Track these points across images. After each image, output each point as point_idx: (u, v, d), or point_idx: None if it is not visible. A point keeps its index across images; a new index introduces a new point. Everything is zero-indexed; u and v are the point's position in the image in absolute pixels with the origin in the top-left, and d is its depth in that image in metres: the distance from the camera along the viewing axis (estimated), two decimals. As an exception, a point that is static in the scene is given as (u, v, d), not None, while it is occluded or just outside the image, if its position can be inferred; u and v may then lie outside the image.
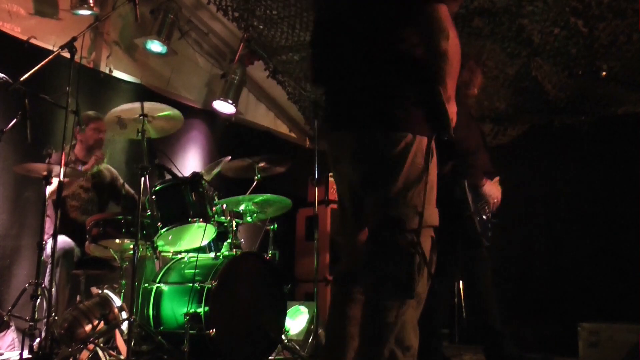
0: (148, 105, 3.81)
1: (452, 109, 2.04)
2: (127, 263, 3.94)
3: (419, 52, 1.99)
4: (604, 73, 5.04)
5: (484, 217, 3.74)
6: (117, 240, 3.86)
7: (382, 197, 1.99)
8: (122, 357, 3.43)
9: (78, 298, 3.97)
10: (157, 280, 4.00)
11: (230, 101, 5.87)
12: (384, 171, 1.97)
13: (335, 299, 2.25)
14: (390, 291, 1.94)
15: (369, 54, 2.01)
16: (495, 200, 3.79)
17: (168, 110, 3.91)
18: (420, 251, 1.93)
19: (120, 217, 3.89)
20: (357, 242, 2.19)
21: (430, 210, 1.99)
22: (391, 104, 1.97)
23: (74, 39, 3.62)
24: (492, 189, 3.78)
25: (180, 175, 4.07)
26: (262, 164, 4.47)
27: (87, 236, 3.95)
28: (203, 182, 3.93)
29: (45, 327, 3.32)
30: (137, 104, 3.80)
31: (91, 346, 3.38)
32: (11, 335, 3.91)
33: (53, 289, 3.56)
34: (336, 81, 2.15)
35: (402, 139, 1.94)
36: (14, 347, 3.88)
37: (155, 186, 3.91)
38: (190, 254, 4.13)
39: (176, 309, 3.78)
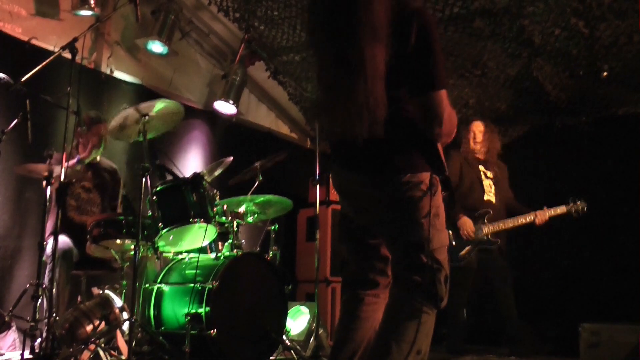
0: (145, 105, 3.78)
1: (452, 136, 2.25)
2: (127, 263, 3.94)
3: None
4: (604, 74, 5.04)
5: (453, 242, 4.72)
6: (118, 241, 3.86)
7: (400, 228, 2.19)
8: (123, 357, 3.43)
9: (79, 298, 3.98)
10: (158, 281, 4.01)
11: (231, 102, 5.87)
12: (400, 209, 2.17)
13: (345, 302, 2.39)
14: (421, 299, 2.12)
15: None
16: (465, 232, 4.72)
17: (164, 104, 3.86)
18: (443, 266, 2.17)
19: (121, 217, 3.89)
20: (364, 250, 2.36)
21: (441, 232, 2.20)
22: (395, 152, 2.17)
23: (75, 39, 3.62)
24: (463, 224, 4.73)
25: (181, 175, 4.07)
26: (261, 162, 4.48)
27: (88, 237, 3.95)
28: (204, 182, 3.93)
29: (46, 328, 3.32)
30: (132, 110, 3.79)
31: (92, 346, 3.38)
32: (12, 335, 3.92)
33: (54, 289, 3.56)
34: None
35: (408, 179, 2.14)
36: (15, 348, 3.89)
37: (156, 187, 3.91)
38: (191, 255, 4.13)
39: (177, 309, 3.79)
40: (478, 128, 4.94)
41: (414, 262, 2.14)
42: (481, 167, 4.91)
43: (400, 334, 2.09)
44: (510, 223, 4.75)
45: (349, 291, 2.38)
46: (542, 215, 4.67)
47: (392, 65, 2.09)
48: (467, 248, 4.75)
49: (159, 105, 3.81)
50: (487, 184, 4.90)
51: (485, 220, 4.77)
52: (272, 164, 4.58)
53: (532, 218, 4.70)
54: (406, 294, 2.15)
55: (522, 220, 4.74)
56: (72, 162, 4.18)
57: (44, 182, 3.66)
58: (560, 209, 4.71)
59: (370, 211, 2.27)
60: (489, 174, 4.91)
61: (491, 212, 4.78)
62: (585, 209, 4.70)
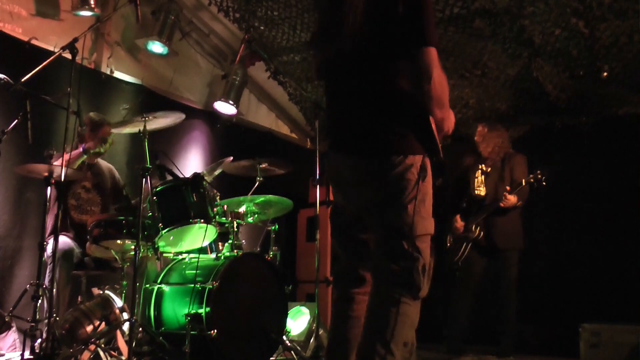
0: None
1: (451, 120, 2.21)
2: (128, 264, 3.94)
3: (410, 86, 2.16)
4: (605, 74, 5.03)
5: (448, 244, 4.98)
6: (119, 241, 3.87)
7: (384, 211, 2.14)
8: (123, 357, 3.43)
9: (79, 299, 3.98)
10: (158, 281, 4.01)
11: (231, 102, 5.87)
12: (386, 191, 2.13)
13: (336, 301, 2.35)
14: (398, 290, 2.07)
15: (367, 88, 2.19)
16: (453, 228, 4.94)
17: (169, 119, 3.89)
18: (422, 255, 2.10)
19: (121, 217, 3.90)
20: (354, 245, 2.32)
21: (426, 219, 2.15)
22: (388, 132, 2.14)
23: (75, 39, 3.62)
24: (453, 222, 4.95)
25: (181, 176, 4.07)
26: (263, 165, 4.46)
27: (88, 237, 3.95)
28: (204, 182, 3.93)
29: (46, 328, 3.32)
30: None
31: (92, 347, 3.38)
32: (12, 335, 3.91)
33: (54, 290, 3.56)
34: (341, 109, 2.31)
35: (399, 161, 2.11)
36: (16, 348, 3.89)
37: (157, 187, 3.91)
38: (192, 255, 4.13)
39: (177, 309, 3.79)
40: (478, 130, 5.01)
41: (393, 248, 2.10)
42: (481, 165, 4.96)
43: (382, 327, 2.04)
44: (485, 212, 4.79)
45: (340, 289, 2.35)
46: (505, 198, 4.66)
47: (386, 36, 2.11)
48: (458, 244, 4.84)
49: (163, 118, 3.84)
50: (480, 179, 4.95)
51: (473, 214, 4.84)
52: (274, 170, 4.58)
53: (497, 202, 4.72)
54: (384, 286, 2.11)
55: (492, 206, 4.77)
56: (77, 151, 4.18)
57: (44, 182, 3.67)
58: (520, 185, 4.71)
59: (359, 197, 2.23)
60: (484, 168, 4.95)
61: (476, 206, 4.84)
62: (543, 176, 4.63)
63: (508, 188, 4.69)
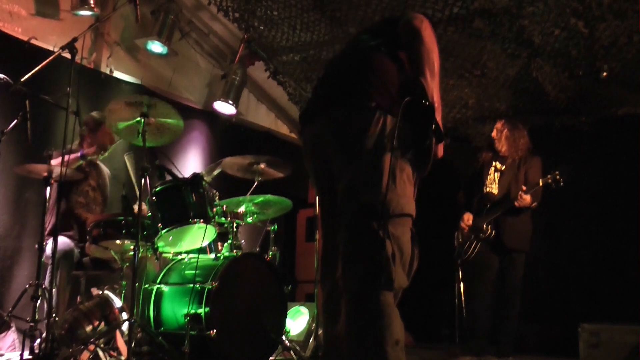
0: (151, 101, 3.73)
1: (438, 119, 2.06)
2: (127, 264, 3.94)
3: (400, 51, 2.11)
4: (604, 74, 5.03)
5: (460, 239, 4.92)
6: (118, 241, 3.86)
7: (352, 182, 1.98)
8: (122, 357, 3.43)
9: (79, 299, 3.98)
10: (158, 281, 4.01)
11: (230, 102, 5.88)
12: (360, 153, 1.97)
13: (325, 304, 2.22)
14: (373, 288, 1.90)
15: (362, 59, 2.15)
16: (462, 225, 4.89)
17: (170, 118, 3.86)
18: (395, 241, 1.91)
19: (120, 218, 3.89)
20: (335, 239, 2.14)
21: (402, 198, 1.96)
22: (371, 87, 2.01)
23: (75, 39, 3.62)
24: (462, 218, 4.89)
25: (180, 176, 4.07)
26: (262, 165, 4.44)
27: (87, 237, 3.95)
28: (203, 183, 3.93)
29: (45, 328, 3.32)
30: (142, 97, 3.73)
31: (92, 347, 3.38)
32: (12, 336, 3.92)
33: (53, 290, 3.56)
34: (330, 78, 2.28)
35: (378, 118, 1.97)
36: (15, 348, 3.89)
37: (156, 187, 3.91)
38: (191, 255, 4.13)
39: (177, 309, 3.79)
40: (496, 126, 4.94)
41: (361, 232, 1.92)
42: (496, 163, 4.90)
43: (368, 330, 1.88)
44: (498, 210, 4.73)
45: (327, 291, 2.21)
46: (520, 197, 4.57)
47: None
48: (468, 242, 4.81)
49: (164, 114, 3.78)
50: (492, 177, 4.88)
51: (484, 212, 4.78)
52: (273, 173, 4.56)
53: (512, 201, 4.65)
54: (357, 286, 1.92)
55: (505, 205, 4.71)
56: (75, 156, 4.17)
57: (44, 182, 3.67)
58: (537, 185, 4.64)
59: (336, 170, 2.09)
60: (499, 166, 4.89)
61: (489, 204, 4.78)
62: (561, 177, 4.55)
63: (524, 188, 4.62)
